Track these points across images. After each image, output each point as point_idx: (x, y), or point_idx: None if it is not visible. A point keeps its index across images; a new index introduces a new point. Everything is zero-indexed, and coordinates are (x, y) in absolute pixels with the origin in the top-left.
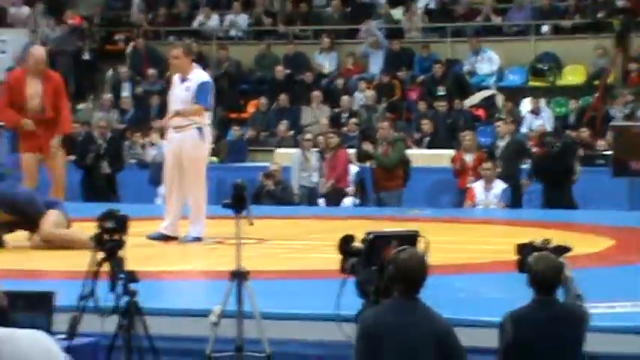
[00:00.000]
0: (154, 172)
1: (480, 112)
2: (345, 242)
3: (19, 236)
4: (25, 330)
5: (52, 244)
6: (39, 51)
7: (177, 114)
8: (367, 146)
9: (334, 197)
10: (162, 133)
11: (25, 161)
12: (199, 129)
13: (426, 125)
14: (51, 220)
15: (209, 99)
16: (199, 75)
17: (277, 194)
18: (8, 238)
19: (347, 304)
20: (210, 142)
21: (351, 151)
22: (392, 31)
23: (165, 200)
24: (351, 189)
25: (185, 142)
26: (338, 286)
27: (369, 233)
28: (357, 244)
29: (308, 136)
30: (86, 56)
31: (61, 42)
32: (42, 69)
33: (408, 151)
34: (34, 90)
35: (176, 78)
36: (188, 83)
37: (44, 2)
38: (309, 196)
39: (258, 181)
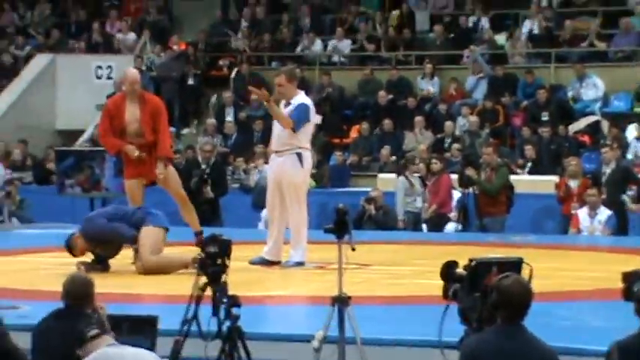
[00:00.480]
0: (257, 197)
1: (585, 138)
2: (448, 268)
3: (123, 260)
4: (135, 348)
5: (154, 271)
6: (131, 73)
7: (270, 105)
8: (470, 172)
9: (437, 222)
10: (266, 158)
11: (128, 187)
12: (298, 154)
13: (530, 151)
14: (147, 246)
15: (300, 118)
16: (300, 98)
17: (379, 219)
18: (113, 262)
19: (450, 330)
20: (310, 167)
21: (454, 176)
22: (495, 57)
23: (267, 225)
24: (454, 214)
25: (284, 166)
26: (440, 312)
27: (471, 260)
28: (460, 270)
29: (417, 160)
30: (191, 81)
31: (166, 68)
32: (138, 91)
33: (512, 177)
34: (132, 114)
35: (282, 104)
36: (290, 107)
37: (150, 29)
38: (414, 222)
39: (360, 206)
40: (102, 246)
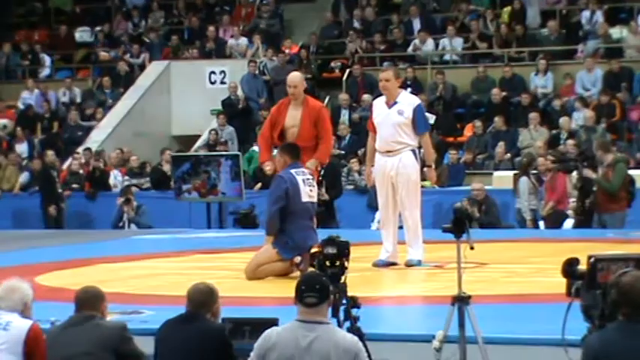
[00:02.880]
0: (373, 197)
1: None
2: (570, 265)
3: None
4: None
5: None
6: (291, 76)
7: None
8: (589, 173)
9: (555, 220)
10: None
11: None
12: (413, 151)
13: None
14: (254, 262)
15: (427, 123)
16: (411, 98)
17: (482, 219)
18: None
19: (572, 328)
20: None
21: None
22: (611, 51)
23: (381, 225)
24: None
25: (400, 164)
26: (562, 310)
27: (590, 256)
28: (582, 267)
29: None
30: None
31: (279, 71)
32: (300, 96)
33: (631, 172)
34: (292, 118)
35: (379, 102)
36: (399, 106)
37: (262, 33)
38: (532, 219)
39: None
40: None
